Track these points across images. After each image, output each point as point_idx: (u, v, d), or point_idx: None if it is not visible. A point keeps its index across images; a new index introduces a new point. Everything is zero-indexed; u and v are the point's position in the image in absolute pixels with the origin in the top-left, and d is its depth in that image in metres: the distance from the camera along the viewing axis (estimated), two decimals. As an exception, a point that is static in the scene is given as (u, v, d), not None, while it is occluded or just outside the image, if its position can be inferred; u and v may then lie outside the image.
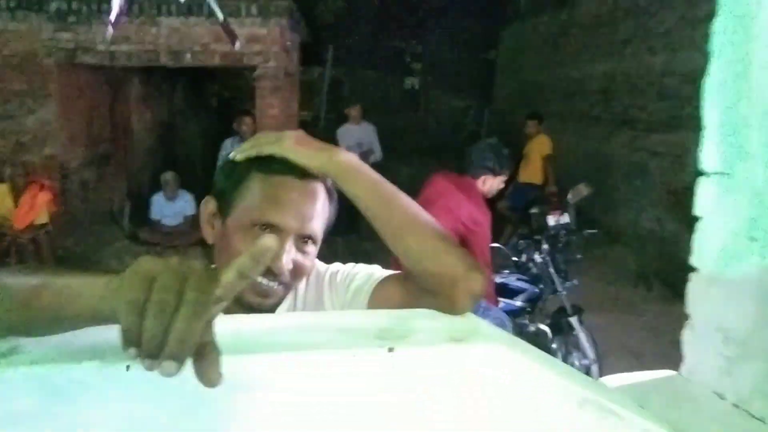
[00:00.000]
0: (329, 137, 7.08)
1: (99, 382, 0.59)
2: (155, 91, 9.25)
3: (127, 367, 0.59)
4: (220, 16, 1.83)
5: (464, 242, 2.91)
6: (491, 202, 3.32)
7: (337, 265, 1.06)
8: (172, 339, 0.47)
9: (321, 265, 1.06)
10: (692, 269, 0.97)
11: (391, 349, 0.64)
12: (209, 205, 0.98)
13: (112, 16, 1.39)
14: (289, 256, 0.90)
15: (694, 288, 0.96)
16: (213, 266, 0.88)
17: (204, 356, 0.52)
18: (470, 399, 0.66)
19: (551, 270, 3.26)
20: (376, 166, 5.36)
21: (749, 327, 0.87)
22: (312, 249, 0.95)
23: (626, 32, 7.07)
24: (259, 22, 6.31)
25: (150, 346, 0.47)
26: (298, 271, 0.93)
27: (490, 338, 0.69)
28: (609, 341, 4.16)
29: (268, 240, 0.52)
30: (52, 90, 6.55)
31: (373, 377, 0.64)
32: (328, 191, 0.98)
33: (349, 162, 0.90)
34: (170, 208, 6.74)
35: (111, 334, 0.65)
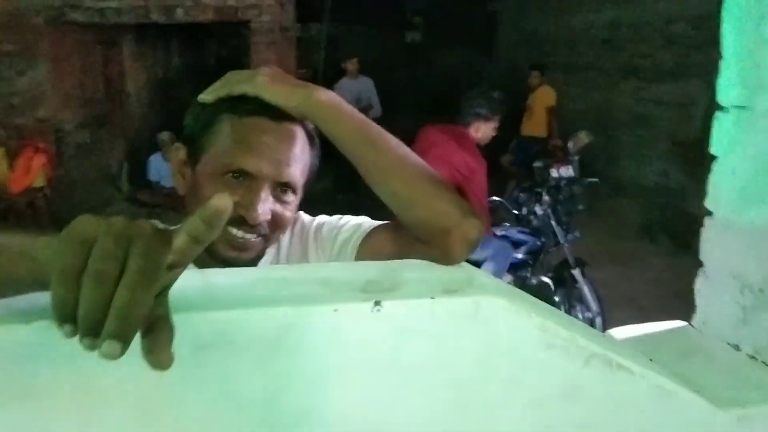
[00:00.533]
0: (328, 94, 6.93)
1: (50, 343, 0.53)
2: (150, 50, 9.06)
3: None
4: None
5: (460, 191, 2.92)
6: (494, 156, 3.28)
7: (323, 217, 0.99)
8: (112, 314, 0.40)
9: (306, 218, 0.99)
10: (708, 213, 0.91)
11: (377, 303, 0.58)
12: (179, 152, 0.90)
13: None
14: (266, 205, 0.82)
15: (708, 233, 0.90)
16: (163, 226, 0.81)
17: (154, 334, 0.44)
18: (465, 356, 0.61)
19: (553, 222, 3.21)
20: (376, 122, 5.28)
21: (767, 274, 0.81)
22: (292, 198, 0.87)
23: (631, -22, 6.84)
24: (251, -26, 6.11)
25: (87, 323, 0.40)
26: (277, 223, 0.85)
27: (486, 289, 0.62)
28: (614, 294, 4.13)
29: (220, 200, 0.43)
30: (42, 50, 6.39)
31: (357, 334, 0.58)
32: (309, 135, 0.89)
33: (330, 100, 0.80)
34: (168, 168, 6.66)
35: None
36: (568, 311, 3.25)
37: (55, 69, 6.56)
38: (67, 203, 6.57)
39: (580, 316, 3.24)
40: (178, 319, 0.55)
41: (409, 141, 3.40)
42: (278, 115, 0.83)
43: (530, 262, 3.29)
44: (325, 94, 0.80)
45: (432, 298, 0.60)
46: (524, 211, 3.30)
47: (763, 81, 0.79)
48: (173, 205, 6.46)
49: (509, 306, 0.61)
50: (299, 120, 0.86)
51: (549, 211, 3.21)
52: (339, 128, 0.79)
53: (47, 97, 6.50)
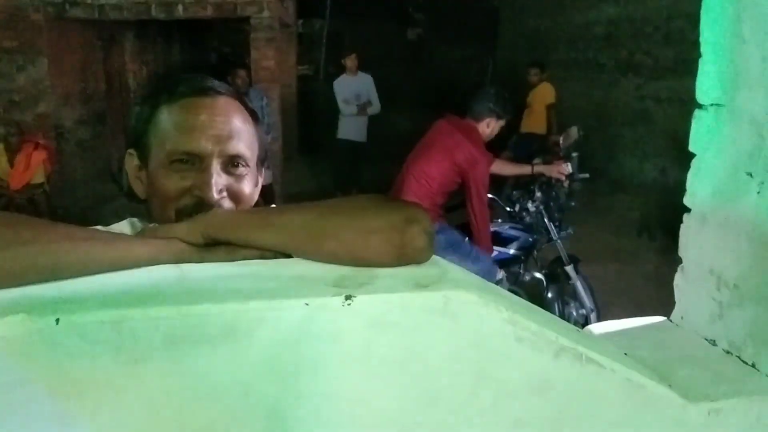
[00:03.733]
0: (329, 90, 6.94)
1: (24, 336, 0.54)
2: (150, 47, 9.06)
3: (57, 320, 0.54)
4: None
5: (464, 180, 3.05)
6: (493, 152, 3.32)
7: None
8: None
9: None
10: (686, 209, 0.91)
11: (348, 297, 0.59)
12: (132, 158, 0.90)
13: None
14: (220, 182, 0.81)
15: (686, 229, 0.91)
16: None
17: None
18: (435, 350, 0.62)
19: (545, 219, 3.22)
20: (375, 119, 5.28)
21: (743, 270, 0.81)
22: (245, 171, 0.85)
23: (632, -26, 6.83)
24: (251, -30, 6.10)
25: None
26: (236, 197, 0.84)
27: (458, 284, 0.63)
28: (611, 291, 4.14)
29: None
30: (42, 46, 6.40)
31: (329, 328, 0.59)
32: (248, 109, 0.89)
33: (221, 221, 0.71)
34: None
35: (39, 288, 0.60)
36: (562, 308, 3.26)
37: (56, 65, 6.57)
38: (67, 199, 6.59)
39: (574, 312, 3.24)
40: (153, 314, 0.57)
41: (410, 136, 3.42)
42: (211, 90, 0.83)
43: (522, 258, 3.29)
44: (215, 218, 0.72)
45: (403, 292, 0.61)
46: (517, 207, 3.32)
47: (740, 79, 0.80)
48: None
49: (478, 300, 0.62)
50: (234, 95, 0.86)
51: (541, 207, 3.22)
52: (247, 237, 0.70)
53: (47, 94, 6.51)
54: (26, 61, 6.42)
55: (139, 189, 0.90)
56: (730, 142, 0.82)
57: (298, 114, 8.90)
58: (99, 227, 0.85)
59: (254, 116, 0.89)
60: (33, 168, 5.47)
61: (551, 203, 3.25)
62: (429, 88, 14.23)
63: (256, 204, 0.92)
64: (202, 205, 0.80)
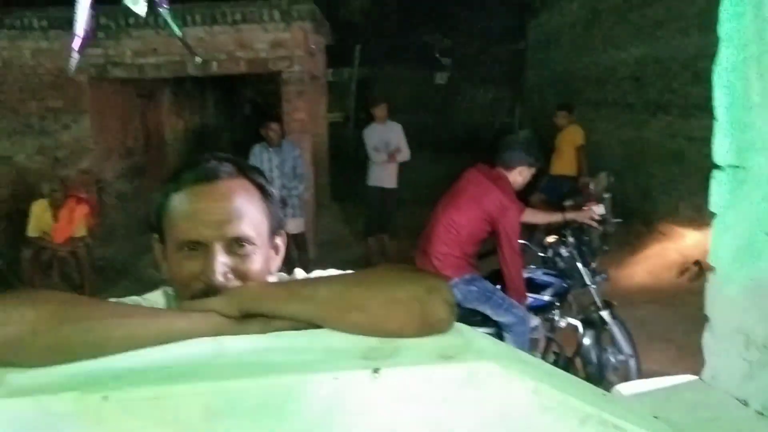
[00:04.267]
0: (359, 137, 7.07)
1: (75, 413, 0.58)
2: (186, 101, 9.41)
3: (105, 397, 0.58)
4: (178, 32, 1.83)
5: (494, 229, 3.08)
6: (524, 195, 3.34)
7: (317, 272, 1.00)
8: None
9: (301, 273, 0.99)
10: (711, 268, 0.92)
11: (376, 371, 0.62)
12: (156, 244, 0.95)
13: (76, 43, 1.37)
14: (222, 266, 0.84)
15: (711, 288, 0.91)
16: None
17: None
18: (461, 422, 0.63)
19: (578, 264, 3.19)
20: (405, 164, 5.31)
21: (772, 329, 0.81)
22: (251, 250, 0.87)
23: (657, 15, 6.86)
24: (282, 27, 6.34)
25: None
26: (242, 276, 0.86)
27: (482, 354, 0.66)
28: (650, 335, 4.04)
29: None
30: (85, 105, 6.72)
31: (357, 401, 0.61)
32: (257, 185, 0.91)
33: (252, 296, 0.77)
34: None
35: (88, 365, 0.64)
36: (600, 354, 3.19)
37: (98, 122, 6.87)
38: (108, 250, 6.79)
39: (612, 359, 3.17)
40: (192, 389, 0.60)
41: (440, 181, 3.46)
42: (211, 176, 0.87)
43: (557, 304, 3.25)
44: (249, 291, 0.80)
45: (428, 364, 0.63)
46: (550, 253, 3.30)
47: (755, 142, 0.82)
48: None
49: (503, 370, 0.64)
50: (238, 173, 0.90)
51: (574, 252, 3.20)
52: (278, 309, 0.75)
53: (90, 150, 6.80)
54: (70, 119, 6.74)
55: (163, 271, 0.94)
56: (748, 202, 0.83)
57: (330, 161, 9.06)
58: (135, 298, 0.89)
59: (262, 190, 0.92)
60: (76, 222, 5.66)
61: (584, 248, 3.22)
62: (457, 131, 14.36)
63: (287, 256, 0.95)
64: (209, 290, 0.82)
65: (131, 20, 6.37)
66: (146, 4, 1.44)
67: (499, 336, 3.01)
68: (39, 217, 5.60)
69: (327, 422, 0.61)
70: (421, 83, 16.12)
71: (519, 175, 3.19)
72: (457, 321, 0.73)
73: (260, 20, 6.30)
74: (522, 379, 0.64)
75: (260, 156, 5.64)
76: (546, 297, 3.19)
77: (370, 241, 6.52)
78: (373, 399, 0.61)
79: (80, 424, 0.58)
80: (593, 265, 3.24)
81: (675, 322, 4.60)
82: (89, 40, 1.44)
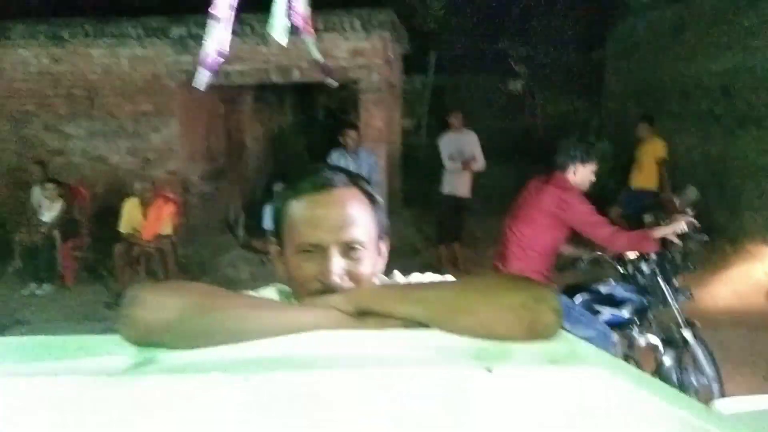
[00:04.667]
0: (432, 144, 7.12)
1: (220, 389, 0.65)
2: (266, 106, 9.75)
3: (246, 378, 0.65)
4: (320, 57, 1.92)
5: (571, 227, 3.04)
6: (602, 207, 3.26)
7: (415, 275, 1.06)
8: None
9: (399, 277, 1.06)
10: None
11: (489, 369, 0.66)
12: (272, 247, 1.04)
13: (210, 61, 1.48)
14: (339, 266, 0.92)
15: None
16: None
17: None
18: (570, 424, 0.66)
19: (660, 281, 3.09)
20: (479, 174, 5.31)
21: None
22: (363, 254, 0.95)
23: (750, 23, 6.56)
24: (361, 36, 6.48)
25: None
26: (354, 278, 0.94)
27: (589, 361, 0.68)
28: (735, 358, 3.87)
29: None
30: (174, 110, 7.10)
31: (472, 397, 0.65)
32: (366, 194, 0.99)
33: (370, 296, 0.85)
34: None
35: (229, 349, 0.72)
36: (680, 375, 3.08)
37: (185, 126, 7.24)
38: (189, 248, 7.12)
39: (693, 380, 3.06)
40: (322, 374, 0.66)
41: (514, 190, 3.45)
42: (327, 185, 0.95)
43: (637, 321, 3.16)
44: (365, 292, 0.87)
45: (537, 366, 0.67)
46: (630, 268, 3.21)
47: None
48: (284, 252, 6.81)
49: (609, 376, 0.66)
50: (350, 183, 0.98)
51: (657, 269, 3.10)
52: (392, 309, 0.81)
53: (177, 152, 7.17)
54: (160, 123, 7.14)
55: (280, 272, 1.03)
56: None
57: (402, 168, 9.15)
58: (250, 292, 0.98)
59: (370, 198, 1.00)
60: (163, 220, 5.97)
61: (666, 264, 3.12)
62: (532, 140, 14.16)
63: None
64: (326, 289, 0.91)
65: (220, 29, 6.67)
66: (288, 34, 1.54)
67: None
68: (130, 214, 5.95)
69: (443, 414, 0.65)
70: (495, 91, 16.03)
71: (574, 175, 3.10)
72: None
73: (341, 29, 6.46)
74: (628, 387, 0.67)
75: (338, 161, 5.78)
76: (625, 313, 3.11)
77: (442, 249, 6.54)
78: (487, 396, 0.65)
79: (223, 400, 0.65)
80: (676, 283, 3.14)
81: (762, 347, 4.38)
82: (224, 59, 1.55)
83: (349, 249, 0.94)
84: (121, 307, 0.75)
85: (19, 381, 0.66)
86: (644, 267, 3.13)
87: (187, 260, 6.92)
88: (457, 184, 6.24)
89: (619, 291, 3.16)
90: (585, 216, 2.97)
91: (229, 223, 8.25)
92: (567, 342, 0.73)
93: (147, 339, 0.72)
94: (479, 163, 6.23)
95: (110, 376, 0.65)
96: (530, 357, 0.69)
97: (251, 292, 0.99)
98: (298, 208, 0.96)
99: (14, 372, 0.68)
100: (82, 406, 0.65)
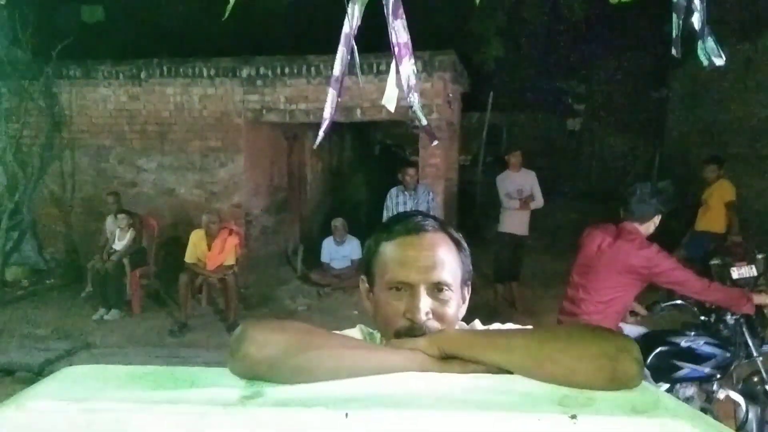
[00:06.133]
0: (488, 180, 7.13)
1: (322, 425, 0.71)
2: (326, 143, 10.00)
3: (346, 414, 0.71)
4: (424, 121, 2.01)
5: (655, 284, 2.94)
6: (665, 250, 3.18)
7: (495, 325, 1.10)
8: None
9: (479, 325, 1.11)
10: None
11: (573, 417, 0.69)
12: (363, 284, 1.11)
13: (324, 126, 1.59)
14: (426, 305, 0.98)
15: None
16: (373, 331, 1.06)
17: None
18: (652, 471, 0.69)
19: (745, 332, 2.95)
20: (536, 210, 5.26)
21: None
22: (449, 295, 1.00)
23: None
24: (423, 77, 6.61)
25: None
26: (440, 318, 0.99)
27: (671, 412, 0.71)
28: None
29: None
30: (241, 146, 7.39)
31: (557, 442, 0.69)
32: (453, 239, 1.05)
33: (450, 341, 0.88)
34: (339, 251, 7.18)
35: (328, 385, 0.78)
36: (763, 431, 2.94)
37: (250, 161, 7.52)
38: (250, 279, 7.31)
39: None
40: (414, 415, 0.71)
41: (573, 230, 3.39)
42: (419, 229, 1.02)
43: (718, 375, 3.02)
44: (450, 336, 0.90)
45: (622, 416, 0.70)
46: (713, 318, 3.08)
47: None
48: (341, 285, 6.91)
49: (693, 430, 0.69)
50: (440, 228, 1.04)
51: (741, 320, 2.98)
52: (476, 354, 0.84)
53: (242, 186, 7.43)
54: (227, 158, 7.43)
55: (367, 307, 1.10)
56: None
57: (459, 205, 9.18)
58: (340, 333, 1.04)
59: (458, 244, 1.07)
60: (227, 252, 6.17)
61: (753, 316, 2.99)
62: (590, 179, 13.95)
63: None
64: (413, 327, 0.97)
65: (286, 69, 6.96)
66: (396, 102, 1.65)
67: None
68: (196, 245, 6.18)
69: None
70: (554, 129, 15.92)
71: (653, 225, 3.00)
72: None
73: (403, 70, 6.61)
74: (711, 439, 0.69)
75: (396, 198, 5.88)
76: (706, 369, 2.97)
77: (499, 288, 6.50)
78: (572, 443, 0.69)
79: (325, 435, 0.71)
80: (762, 335, 3.01)
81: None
82: (333, 121, 1.67)
83: (436, 289, 1.00)
84: (230, 342, 0.82)
85: (138, 408, 0.73)
86: (728, 318, 3.00)
87: (248, 290, 7.11)
88: (515, 222, 6.22)
89: (701, 346, 2.99)
90: (675, 275, 2.84)
91: (288, 255, 8.44)
92: (649, 392, 0.76)
93: (254, 373, 0.79)
94: (538, 202, 6.20)
95: (224, 407, 0.72)
96: (613, 406, 0.72)
97: (336, 333, 1.06)
98: (390, 248, 1.03)
99: (132, 399, 0.75)
100: (197, 433, 0.72)
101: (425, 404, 0.73)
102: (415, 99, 1.64)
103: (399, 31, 1.58)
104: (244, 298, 6.74)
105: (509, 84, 13.37)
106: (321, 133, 1.59)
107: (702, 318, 3.12)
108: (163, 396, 0.76)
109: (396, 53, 1.59)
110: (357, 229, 7.21)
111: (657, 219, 3.02)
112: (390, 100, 1.62)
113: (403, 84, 1.58)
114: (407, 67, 1.60)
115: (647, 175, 11.65)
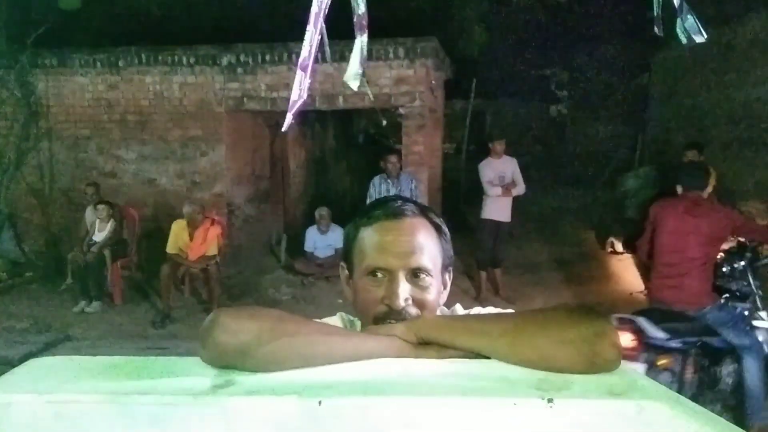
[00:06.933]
0: (471, 168, 7.13)
1: (295, 413, 0.69)
2: (309, 131, 9.93)
3: (319, 402, 0.69)
4: (371, 97, 2.00)
5: (737, 235, 3.54)
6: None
7: (476, 308, 1.09)
8: None
9: (460, 309, 1.10)
10: None
11: (550, 401, 0.68)
12: (342, 271, 1.09)
13: (292, 107, 1.55)
14: (405, 292, 0.96)
15: None
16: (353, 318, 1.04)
17: None
18: (629, 454, 0.68)
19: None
20: (519, 199, 5.31)
21: None
22: (428, 281, 0.99)
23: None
24: (405, 64, 6.59)
25: None
26: (419, 304, 0.98)
27: (648, 394, 0.70)
28: None
29: None
30: (221, 134, 7.31)
31: (534, 427, 0.68)
32: (433, 224, 1.03)
33: (431, 325, 0.86)
34: (323, 240, 7.15)
35: (302, 373, 0.76)
36: None
37: (231, 150, 7.44)
38: (232, 269, 7.26)
39: None
40: (389, 402, 0.70)
41: (554, 216, 3.56)
42: (398, 214, 1.00)
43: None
44: (427, 322, 0.88)
45: (598, 399, 0.69)
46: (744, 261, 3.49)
47: None
48: (324, 274, 6.89)
49: (670, 411, 0.68)
50: (420, 213, 1.02)
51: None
52: (453, 339, 0.82)
53: (223, 176, 7.36)
54: (208, 147, 7.35)
55: (347, 294, 1.09)
56: None
57: (442, 192, 9.19)
58: (317, 321, 1.02)
59: (438, 229, 1.05)
60: (209, 242, 6.12)
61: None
62: (573, 165, 14.01)
63: None
64: (392, 312, 0.96)
65: (267, 57, 6.88)
66: (359, 80, 1.61)
67: (738, 358, 3.24)
68: (177, 235, 6.11)
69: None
70: (535, 116, 15.94)
71: (711, 191, 3.58)
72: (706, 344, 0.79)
73: (386, 57, 6.58)
74: (687, 420, 0.68)
75: (379, 187, 5.85)
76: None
77: (482, 274, 6.52)
78: (548, 426, 0.68)
79: (298, 425, 0.69)
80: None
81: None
82: (305, 103, 1.62)
83: (415, 275, 0.98)
84: (200, 330, 0.80)
85: (105, 399, 0.71)
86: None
87: (230, 280, 7.06)
88: (497, 209, 6.23)
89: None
90: (751, 225, 3.59)
91: (272, 245, 8.39)
92: (627, 375, 0.75)
93: (225, 361, 0.77)
94: (519, 188, 6.22)
95: (193, 397, 0.70)
96: (590, 389, 0.71)
97: (318, 321, 1.04)
98: (369, 234, 1.01)
99: (100, 390, 0.73)
100: (165, 425, 0.70)
101: (400, 390, 0.72)
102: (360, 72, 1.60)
103: (360, 2, 1.55)
104: (227, 289, 6.69)
105: (493, 71, 13.34)
106: (289, 116, 1.55)
107: (734, 265, 3.51)
108: (132, 386, 0.74)
109: (356, 23, 1.55)
110: (341, 218, 7.18)
111: (710, 187, 3.56)
112: (352, 78, 1.58)
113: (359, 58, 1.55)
114: (362, 40, 1.57)
115: (629, 160, 11.73)
